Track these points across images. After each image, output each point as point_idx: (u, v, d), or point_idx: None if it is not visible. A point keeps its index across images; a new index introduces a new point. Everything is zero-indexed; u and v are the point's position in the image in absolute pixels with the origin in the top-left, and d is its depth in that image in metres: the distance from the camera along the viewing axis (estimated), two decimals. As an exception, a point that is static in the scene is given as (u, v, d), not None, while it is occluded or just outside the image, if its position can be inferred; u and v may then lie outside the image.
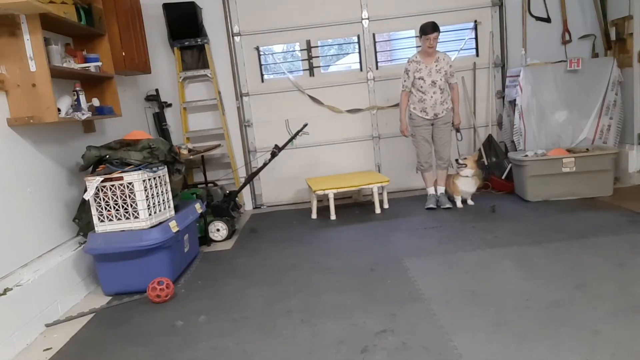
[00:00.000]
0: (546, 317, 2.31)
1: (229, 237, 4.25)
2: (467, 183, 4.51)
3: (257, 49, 5.19)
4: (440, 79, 4.30)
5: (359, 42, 5.22)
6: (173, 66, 5.07)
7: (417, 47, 5.22)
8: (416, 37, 5.19)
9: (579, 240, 3.31)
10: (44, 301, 2.80)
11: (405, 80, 4.41)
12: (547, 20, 5.15)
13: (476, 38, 5.22)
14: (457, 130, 4.55)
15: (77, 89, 3.17)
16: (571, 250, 3.14)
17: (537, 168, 4.36)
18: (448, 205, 4.51)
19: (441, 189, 4.64)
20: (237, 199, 4.58)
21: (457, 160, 4.53)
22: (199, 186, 4.74)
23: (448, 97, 4.40)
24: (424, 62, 4.31)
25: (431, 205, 4.52)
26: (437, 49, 4.34)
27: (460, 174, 4.49)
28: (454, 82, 4.41)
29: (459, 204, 4.52)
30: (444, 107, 4.38)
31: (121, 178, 3.04)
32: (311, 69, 5.25)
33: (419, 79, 4.32)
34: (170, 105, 5.19)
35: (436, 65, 4.30)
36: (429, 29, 4.17)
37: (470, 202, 4.58)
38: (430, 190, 4.63)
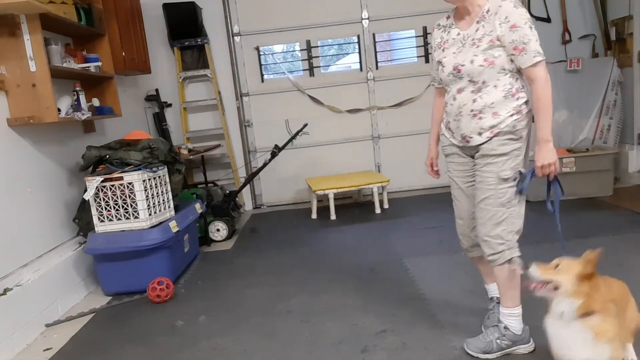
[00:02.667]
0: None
1: (229, 237, 4.25)
2: (571, 337, 1.62)
3: (257, 49, 5.19)
4: (480, 56, 1.92)
5: (359, 42, 5.22)
6: (173, 66, 5.07)
7: (417, 47, 5.22)
8: (416, 37, 5.19)
9: (579, 240, 3.30)
10: (44, 301, 2.80)
11: (432, 66, 2.20)
12: (547, 20, 5.14)
13: (476, 38, 5.21)
14: (552, 181, 2.19)
15: (77, 89, 3.17)
16: (571, 250, 3.13)
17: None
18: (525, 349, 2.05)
19: (504, 314, 2.07)
20: (237, 199, 4.58)
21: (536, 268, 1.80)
22: (199, 186, 4.74)
23: (503, 103, 1.93)
24: (457, 25, 2.04)
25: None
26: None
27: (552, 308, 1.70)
28: (528, 66, 1.86)
29: None
30: (480, 125, 1.96)
31: (121, 178, 3.04)
32: (311, 69, 5.25)
33: (438, 62, 2.08)
34: (170, 105, 5.19)
35: (477, 31, 1.93)
36: None
37: None
38: (493, 292, 2.27)
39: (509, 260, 2.05)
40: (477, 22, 1.94)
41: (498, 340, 2.04)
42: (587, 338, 1.58)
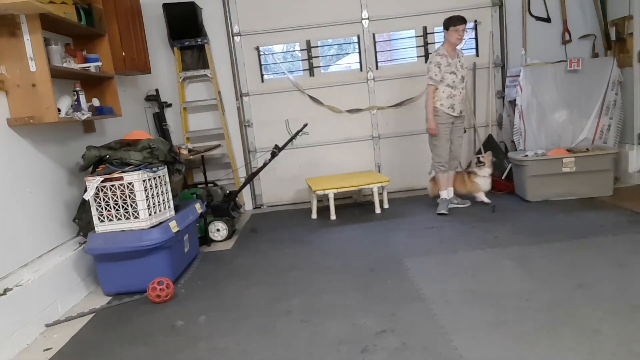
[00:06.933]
0: (546, 317, 2.31)
1: (229, 237, 4.25)
2: (486, 182, 4.48)
3: (257, 49, 5.19)
4: (465, 76, 4.24)
5: (359, 42, 5.22)
6: (173, 66, 5.07)
7: (417, 47, 5.23)
8: (416, 37, 5.20)
9: (579, 240, 3.31)
10: (44, 301, 2.80)
11: (435, 74, 4.11)
12: (547, 20, 5.15)
13: (476, 38, 5.22)
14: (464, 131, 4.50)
15: (77, 89, 3.17)
16: (571, 250, 3.14)
17: (537, 168, 4.36)
18: (467, 204, 4.46)
19: (452, 191, 4.48)
20: (237, 199, 4.58)
21: (477, 157, 4.48)
22: (199, 186, 4.74)
23: None
24: (449, 56, 4.13)
25: (443, 211, 4.29)
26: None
27: (478, 174, 4.45)
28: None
29: (486, 199, 4.44)
30: (464, 105, 4.29)
31: (121, 178, 3.04)
32: (311, 69, 5.25)
33: (450, 73, 4.11)
34: (170, 105, 5.19)
35: (459, 61, 4.19)
36: (458, 20, 4.05)
37: (487, 199, 4.46)
38: (444, 194, 4.39)
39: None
40: (457, 57, 4.19)
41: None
42: (489, 183, 4.52)
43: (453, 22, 4.05)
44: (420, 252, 3.40)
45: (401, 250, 3.48)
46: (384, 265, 3.22)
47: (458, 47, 4.22)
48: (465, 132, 4.45)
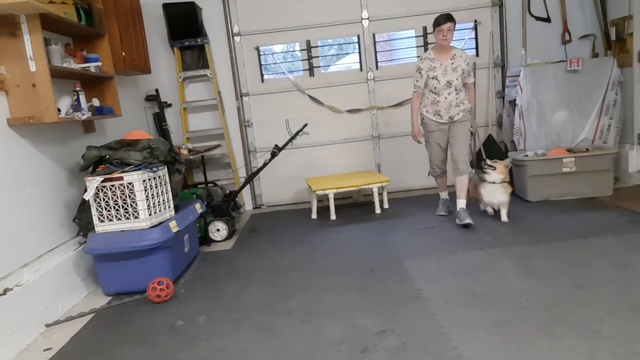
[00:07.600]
0: (546, 317, 2.31)
1: (229, 237, 4.25)
2: (494, 191, 3.87)
3: (257, 49, 5.19)
4: (457, 79, 3.82)
5: (359, 42, 5.22)
6: (173, 66, 5.07)
7: (417, 47, 5.23)
8: (416, 37, 5.20)
9: (579, 240, 3.31)
10: (44, 301, 2.80)
11: (417, 80, 3.94)
12: (547, 20, 5.15)
13: (476, 38, 5.22)
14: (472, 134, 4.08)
15: (77, 89, 3.17)
16: (571, 250, 3.14)
17: (537, 168, 4.36)
18: (468, 220, 3.79)
19: (462, 203, 3.92)
20: (237, 199, 4.58)
21: (484, 161, 3.95)
22: (199, 186, 4.74)
23: (465, 98, 3.92)
24: (438, 59, 3.85)
25: (443, 213, 4.23)
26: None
27: (487, 179, 3.88)
28: (470, 82, 3.95)
29: (504, 218, 3.88)
30: (460, 109, 3.89)
31: (121, 178, 3.04)
32: (311, 69, 5.25)
33: (432, 78, 3.85)
34: (170, 105, 5.19)
35: (452, 63, 3.83)
36: (442, 19, 3.77)
37: (504, 217, 3.89)
38: (443, 195, 4.28)
39: (467, 173, 4.00)
40: (451, 59, 3.86)
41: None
42: (501, 191, 3.87)
43: (437, 22, 3.82)
44: (420, 252, 3.40)
45: (401, 250, 3.48)
46: (384, 265, 3.22)
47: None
48: (472, 134, 4.05)
